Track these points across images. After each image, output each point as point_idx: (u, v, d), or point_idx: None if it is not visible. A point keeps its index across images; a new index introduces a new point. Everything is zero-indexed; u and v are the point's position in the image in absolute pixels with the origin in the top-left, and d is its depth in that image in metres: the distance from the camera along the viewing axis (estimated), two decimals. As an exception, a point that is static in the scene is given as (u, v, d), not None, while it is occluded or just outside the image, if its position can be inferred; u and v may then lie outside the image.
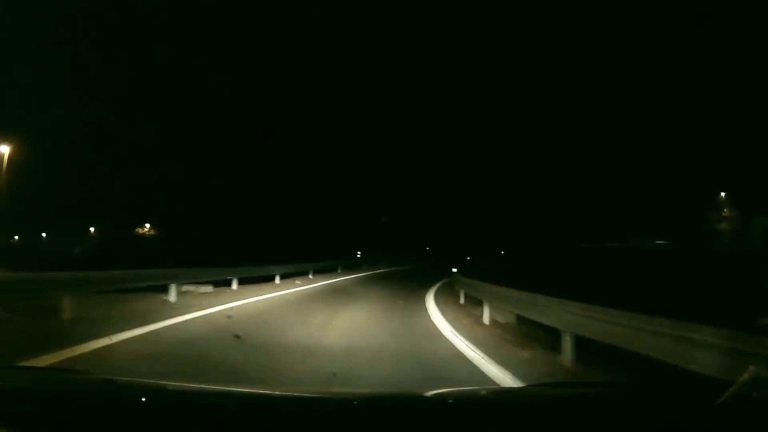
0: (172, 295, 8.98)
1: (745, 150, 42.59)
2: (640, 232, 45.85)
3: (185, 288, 10.07)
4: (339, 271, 21.37)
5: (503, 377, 4.27)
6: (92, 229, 49.96)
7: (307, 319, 7.40)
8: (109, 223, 46.63)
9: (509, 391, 2.77)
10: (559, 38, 71.68)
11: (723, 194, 43.61)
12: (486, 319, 7.57)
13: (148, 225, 53.03)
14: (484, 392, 2.31)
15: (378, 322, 7.51)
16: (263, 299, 10.33)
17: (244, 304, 9.19)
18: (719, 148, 43.92)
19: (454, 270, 14.38)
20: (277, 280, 14.43)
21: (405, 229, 59.35)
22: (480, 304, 8.24)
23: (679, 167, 47.16)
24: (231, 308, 8.26)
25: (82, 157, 38.39)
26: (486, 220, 61.83)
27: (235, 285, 12.00)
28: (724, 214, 42.76)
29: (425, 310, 9.16)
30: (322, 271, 19.45)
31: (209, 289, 10.95)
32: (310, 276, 17.35)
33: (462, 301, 10.31)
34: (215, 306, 8.43)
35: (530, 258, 39.05)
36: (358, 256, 32.24)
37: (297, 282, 14.82)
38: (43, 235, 50.17)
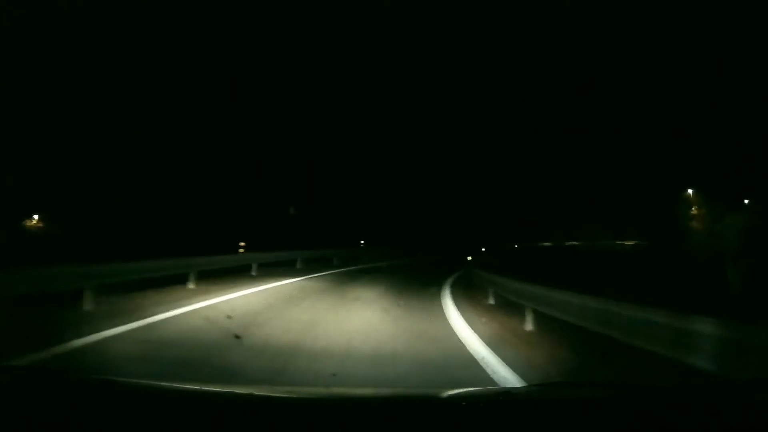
0: None
1: (714, 147, 40.61)
2: (606, 231, 42.87)
3: None
4: (190, 285, 14.49)
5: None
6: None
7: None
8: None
9: (510, 391, 2.65)
10: (560, 38, 68.37)
11: (690, 191, 41.71)
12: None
13: (36, 216, 45.35)
14: (484, 392, 2.36)
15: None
16: None
17: None
18: (688, 146, 41.59)
19: None
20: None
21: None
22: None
23: (646, 165, 44.64)
24: None
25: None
26: (465, 219, 61.12)
27: None
28: (693, 212, 40.34)
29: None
30: (167, 280, 12.60)
31: None
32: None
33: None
34: None
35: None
36: (241, 251, 20.26)
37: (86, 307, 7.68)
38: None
